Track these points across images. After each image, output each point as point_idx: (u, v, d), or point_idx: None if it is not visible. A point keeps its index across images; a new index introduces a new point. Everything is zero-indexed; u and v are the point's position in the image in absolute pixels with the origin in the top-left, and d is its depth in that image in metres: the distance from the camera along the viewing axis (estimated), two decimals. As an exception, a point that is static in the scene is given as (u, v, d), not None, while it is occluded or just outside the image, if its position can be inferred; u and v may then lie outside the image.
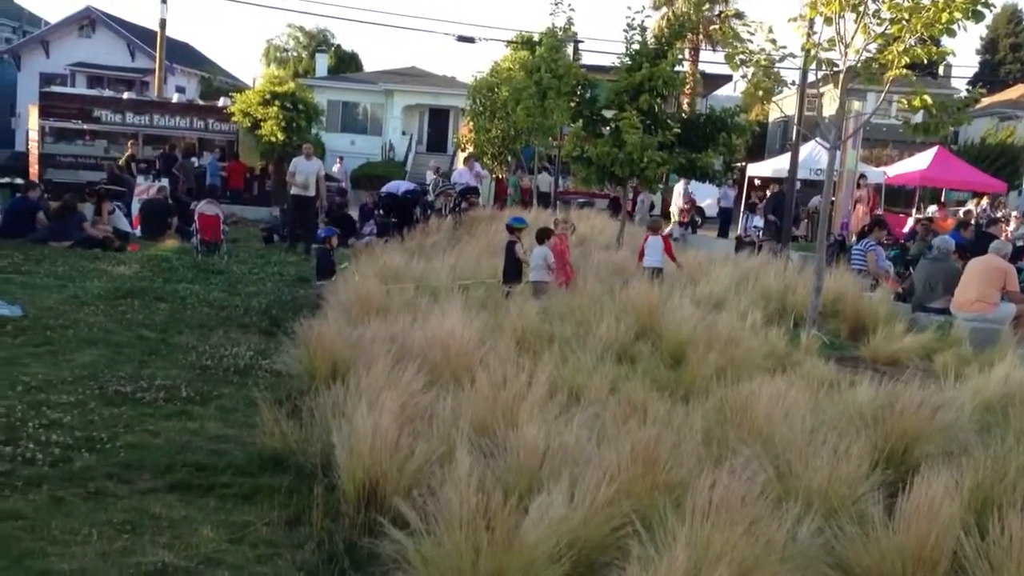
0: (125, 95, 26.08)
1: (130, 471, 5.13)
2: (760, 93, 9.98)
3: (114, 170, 21.08)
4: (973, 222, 20.04)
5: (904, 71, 9.19)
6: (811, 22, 9.85)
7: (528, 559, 3.71)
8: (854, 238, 15.93)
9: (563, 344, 7.83)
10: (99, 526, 4.39)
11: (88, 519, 4.47)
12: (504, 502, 3.76)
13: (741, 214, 25.93)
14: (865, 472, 4.89)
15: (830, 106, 34.68)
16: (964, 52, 61.33)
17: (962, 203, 29.26)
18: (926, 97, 9.37)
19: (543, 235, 11.48)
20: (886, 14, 9.05)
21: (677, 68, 16.03)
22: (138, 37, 42.08)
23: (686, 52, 30.55)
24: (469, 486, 3.90)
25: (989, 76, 48.42)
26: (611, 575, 3.76)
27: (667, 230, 13.43)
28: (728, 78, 39.73)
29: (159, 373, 7.30)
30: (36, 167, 23.26)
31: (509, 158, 25.38)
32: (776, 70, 10.25)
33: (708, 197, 28.40)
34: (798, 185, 19.22)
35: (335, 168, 27.95)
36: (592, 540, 4.06)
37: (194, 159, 23.68)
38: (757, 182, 27.90)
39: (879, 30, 9.20)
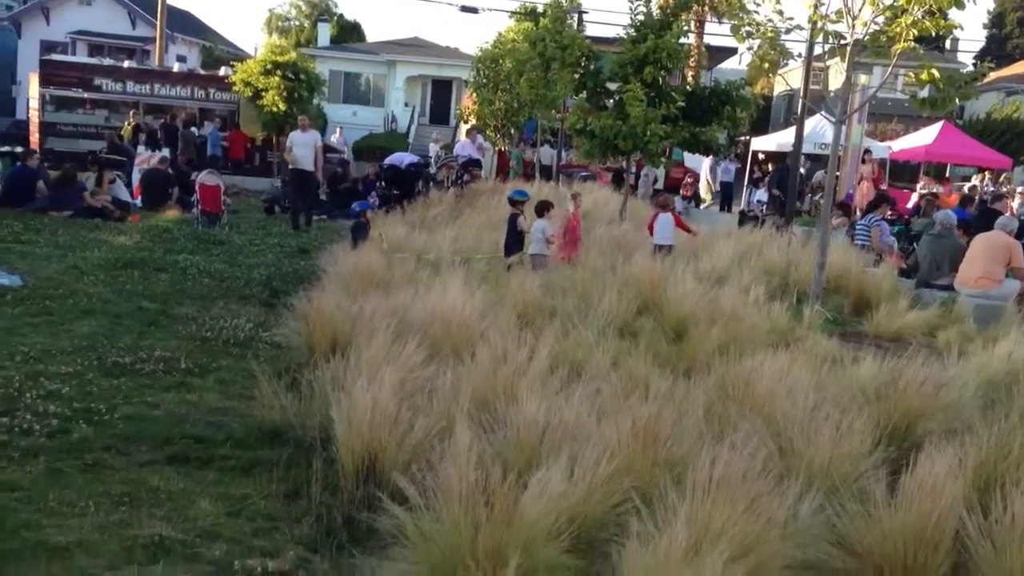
0: (126, 64, 25.95)
1: (128, 443, 5.11)
2: (766, 66, 9.86)
3: (114, 139, 20.98)
4: (977, 198, 19.94)
5: (912, 44, 9.07)
6: (818, -7, 9.72)
7: (527, 536, 3.68)
8: (858, 213, 15.82)
9: (565, 319, 7.78)
10: (96, 498, 4.37)
11: (85, 491, 4.45)
12: (504, 478, 3.72)
13: (745, 188, 25.80)
14: (867, 449, 4.85)
15: (836, 79, 34.43)
16: (971, 26, 60.76)
17: (967, 179, 29.13)
18: (933, 71, 9.25)
19: (542, 208, 11.39)
20: (895, -15, 8.93)
21: (682, 40, 15.84)
22: (139, 5, 41.74)
23: (691, 24, 30.26)
24: (469, 462, 3.86)
25: (996, 51, 47.96)
26: (611, 552, 3.72)
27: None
28: (733, 51, 39.41)
29: (158, 344, 7.28)
30: (37, 135, 23.19)
31: (512, 130, 25.23)
32: (782, 43, 10.12)
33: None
34: (803, 159, 19.13)
35: (334, 138, 27.76)
36: (592, 516, 4.03)
37: (194, 129, 23.55)
38: (761, 156, 27.73)
39: (888, 2, 9.07)
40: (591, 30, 25.08)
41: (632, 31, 15.09)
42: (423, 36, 48.77)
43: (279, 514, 4.40)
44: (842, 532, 4.10)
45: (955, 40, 42.88)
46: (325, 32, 46.51)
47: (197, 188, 15.32)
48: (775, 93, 47.80)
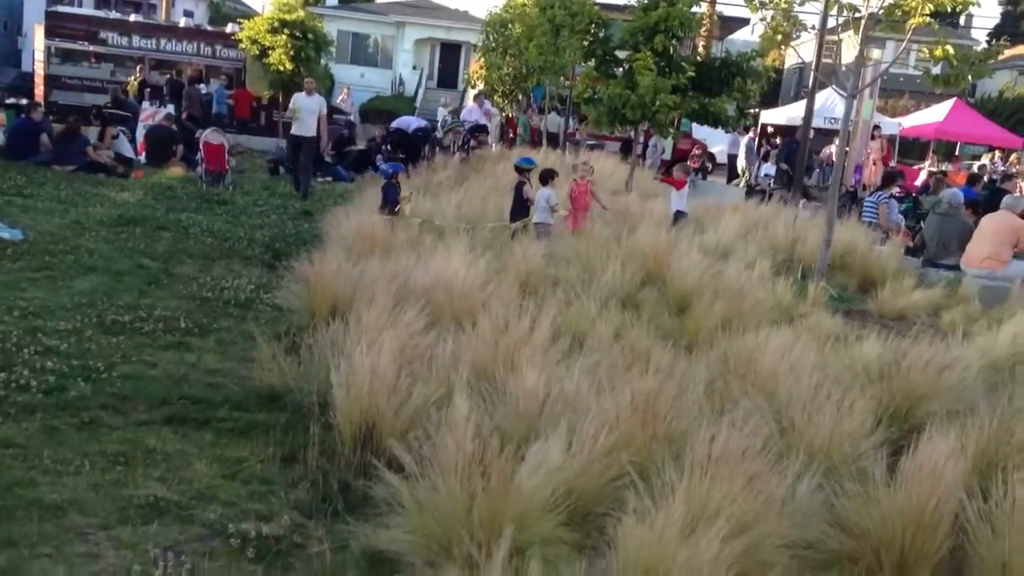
0: (132, 17, 25.69)
1: (125, 402, 5.08)
2: (779, 37, 9.72)
3: (118, 94, 20.81)
4: (986, 177, 19.81)
5: (927, 19, 8.93)
6: (835, -36, 9.56)
7: (524, 507, 3.66)
8: (866, 190, 15.73)
9: (567, 288, 7.73)
10: (92, 457, 4.35)
11: (81, 449, 4.43)
12: (501, 449, 3.69)
13: (747, 159, 25.63)
14: (868, 429, 4.82)
15: (848, 53, 34.07)
16: (986, 2, 59.98)
17: (976, 157, 28.93)
18: (948, 47, 9.11)
19: (547, 176, 11.29)
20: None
21: (694, 9, 15.65)
22: (147, -42, 41.35)
23: (704, -7, 29.88)
24: (466, 432, 3.84)
25: (1011, 28, 47.41)
26: (607, 526, 3.70)
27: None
28: (745, 21, 39.02)
29: (159, 303, 7.24)
30: (41, 88, 23.01)
31: (520, 97, 25.02)
32: (795, 14, 9.98)
33: (719, 143, 28.04)
34: (812, 134, 18.95)
35: (341, 99, 27.50)
36: (588, 490, 4.01)
37: (200, 86, 23.36)
38: (770, 130, 27.52)
39: (905, -26, 8.94)
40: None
41: (644, -1, 14.92)
42: (433, -2, 48.26)
43: (275, 478, 4.38)
44: (840, 513, 4.08)
45: (969, 16, 42.45)
46: (334, -10, 46.04)
47: (201, 146, 15.20)
48: (786, 66, 47.38)
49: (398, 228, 9.59)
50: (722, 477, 3.74)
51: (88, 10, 31.84)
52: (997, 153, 27.38)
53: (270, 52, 21.80)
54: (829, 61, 47.86)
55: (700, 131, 25.69)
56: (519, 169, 11.78)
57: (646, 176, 18.81)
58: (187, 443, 4.67)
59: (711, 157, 27.83)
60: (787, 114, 27.57)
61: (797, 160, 15.63)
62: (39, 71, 23.74)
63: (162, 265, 8.66)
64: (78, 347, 5.87)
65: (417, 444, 4.08)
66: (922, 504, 3.88)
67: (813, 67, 14.29)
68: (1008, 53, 39.50)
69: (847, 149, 13.04)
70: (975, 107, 33.85)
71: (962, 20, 39.44)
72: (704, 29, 24.80)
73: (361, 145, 20.51)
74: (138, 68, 23.02)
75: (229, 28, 24.87)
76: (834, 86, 16.96)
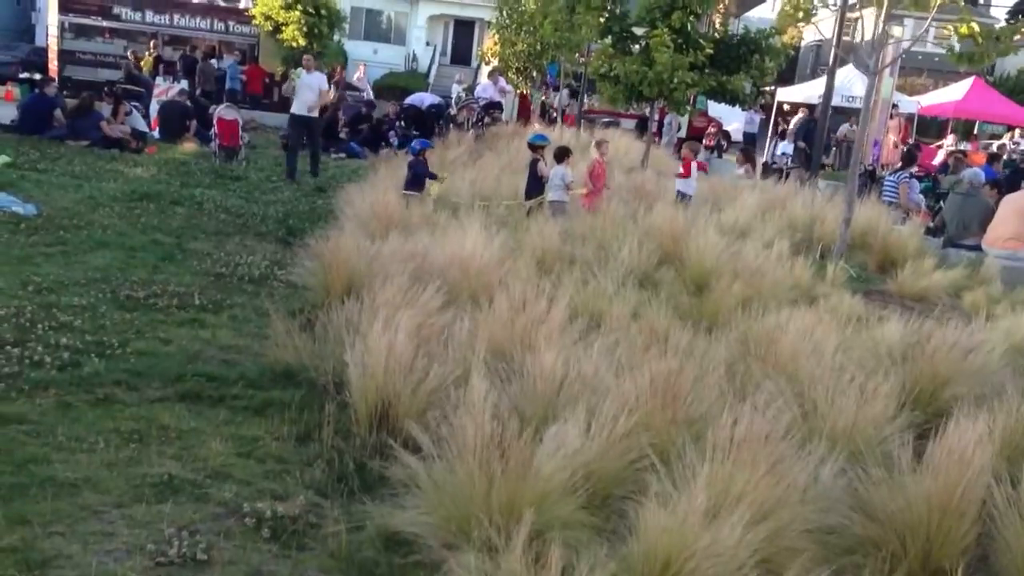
0: (145, -8, 25.53)
1: (139, 379, 5.04)
2: (800, 14, 9.55)
3: (131, 69, 20.73)
4: (1005, 156, 19.56)
5: (954, -4, 8.77)
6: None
7: (542, 490, 3.60)
8: (884, 169, 15.55)
9: (584, 267, 7.65)
10: (106, 434, 4.31)
11: (95, 426, 4.39)
12: (520, 432, 3.63)
13: (768, 140, 25.40)
14: (892, 413, 4.74)
15: (866, 32, 33.68)
16: (1007, -19, 59.07)
17: (996, 136, 28.60)
18: (973, 24, 8.94)
19: (562, 154, 11.18)
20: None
21: (712, -15, 15.44)
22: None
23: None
24: (484, 413, 3.77)
25: (1032, 7, 46.69)
26: (627, 509, 3.64)
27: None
28: (762, -1, 38.62)
29: (173, 279, 7.19)
30: (55, 63, 22.94)
31: (534, 73, 24.79)
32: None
33: (735, 121, 27.80)
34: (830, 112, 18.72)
35: (357, 76, 27.30)
36: (608, 473, 3.94)
37: (213, 61, 23.25)
38: (787, 108, 27.25)
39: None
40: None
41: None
42: (447, -26, 47.87)
43: (290, 457, 4.34)
44: (864, 498, 4.00)
45: (990, -6, 41.92)
46: (348, -34, 45.70)
47: (215, 122, 15.13)
48: (803, 43, 46.86)
49: (423, 207, 9.49)
50: (745, 462, 3.66)
51: (102, -16, 31.66)
52: (1017, 132, 27.01)
53: (283, 28, 21.71)
54: (847, 39, 47.37)
55: (715, 109, 25.50)
56: (532, 146, 11.66)
57: (662, 154, 18.64)
58: (201, 420, 4.62)
59: (726, 135, 27.62)
60: (804, 92, 27.25)
61: (816, 139, 15.43)
62: (52, 46, 23.65)
63: (176, 241, 8.62)
64: (92, 323, 5.83)
65: (434, 424, 4.04)
66: (949, 490, 3.80)
67: (833, 44, 14.06)
68: (1028, 31, 38.95)
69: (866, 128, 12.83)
70: (994, 86, 33.40)
71: (982, -1, 38.95)
72: (721, 5, 24.50)
73: (373, 122, 20.36)
74: (152, 43, 22.93)
75: (242, 4, 24.76)
76: (852, 63, 16.73)
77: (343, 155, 17.55)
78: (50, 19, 24.54)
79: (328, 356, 5.18)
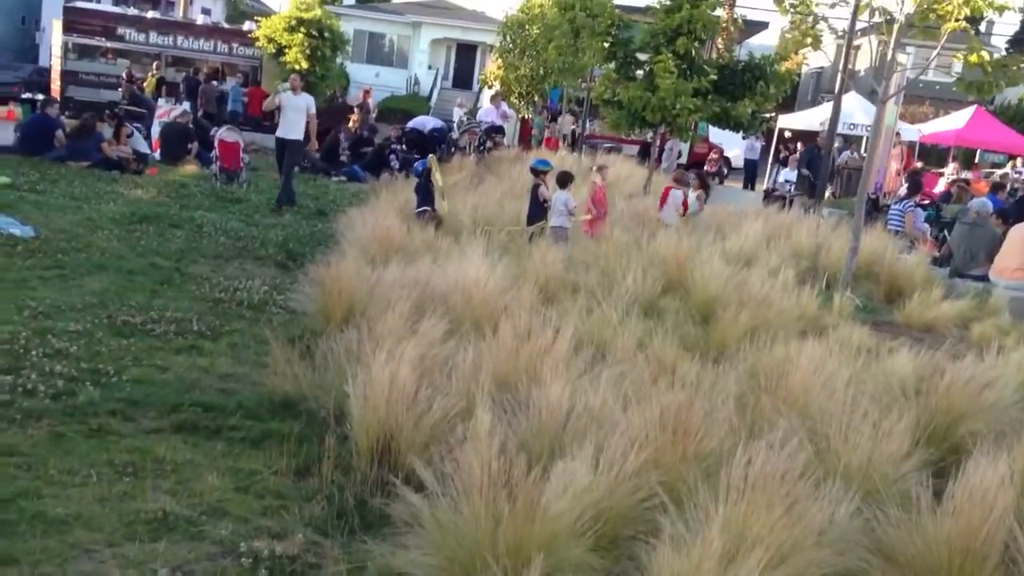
0: (149, 14, 25.65)
1: (135, 408, 4.91)
2: (808, 40, 9.49)
3: (133, 91, 20.73)
4: (1009, 185, 19.49)
5: (963, 24, 8.71)
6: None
7: (551, 531, 3.47)
8: (887, 197, 15.48)
9: (588, 295, 7.55)
10: (99, 467, 4.18)
11: (88, 458, 4.26)
12: (529, 469, 3.50)
13: (769, 167, 25.41)
14: (907, 450, 4.61)
15: (866, 59, 33.71)
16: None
17: (998, 165, 28.59)
18: (983, 53, 8.88)
19: (565, 179, 11.10)
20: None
21: (717, 12, 15.44)
22: (165, -45, 41.27)
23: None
24: (490, 448, 3.65)
25: (1031, 36, 46.85)
26: (638, 552, 3.51)
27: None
28: (764, 25, 38.78)
29: (171, 304, 7.08)
30: (58, 83, 22.95)
31: (536, 98, 24.84)
32: (825, 16, 9.77)
33: (735, 147, 27.81)
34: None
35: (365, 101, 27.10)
36: (617, 512, 3.81)
37: (215, 83, 23.27)
38: (788, 134, 27.27)
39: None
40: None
41: (666, 0, 14.70)
42: (449, -2, 48.09)
43: (289, 492, 4.21)
44: (882, 539, 3.88)
45: (990, 23, 42.07)
46: (351, -10, 45.89)
47: (216, 144, 15.07)
48: (803, 71, 47.02)
49: (425, 232, 9.39)
50: (760, 503, 3.54)
51: (106, 6, 31.79)
52: (1019, 160, 27.00)
53: (286, 50, 21.74)
54: (848, 67, 47.51)
55: (716, 136, 25.51)
56: (535, 171, 11.58)
57: (663, 180, 18.56)
58: (198, 453, 4.50)
59: (727, 162, 27.62)
60: (805, 119, 27.27)
61: (820, 166, 15.37)
62: (56, 66, 23.69)
63: (175, 264, 8.51)
64: (88, 349, 5.71)
65: (438, 459, 3.91)
66: (971, 532, 3.68)
67: (840, 71, 14.02)
68: (1029, 61, 39.04)
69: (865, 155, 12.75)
70: (994, 114, 33.44)
71: (983, 27, 39.06)
72: (724, 31, 24.56)
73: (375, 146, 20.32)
74: (155, 64, 22.96)
75: (247, 26, 24.79)
76: (856, 91, 16.76)
77: (344, 178, 17.48)
78: (54, 39, 24.60)
79: (328, 386, 5.05)
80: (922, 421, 5.06)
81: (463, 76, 40.25)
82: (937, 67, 29.94)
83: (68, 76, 22.88)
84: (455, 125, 22.29)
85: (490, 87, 26.05)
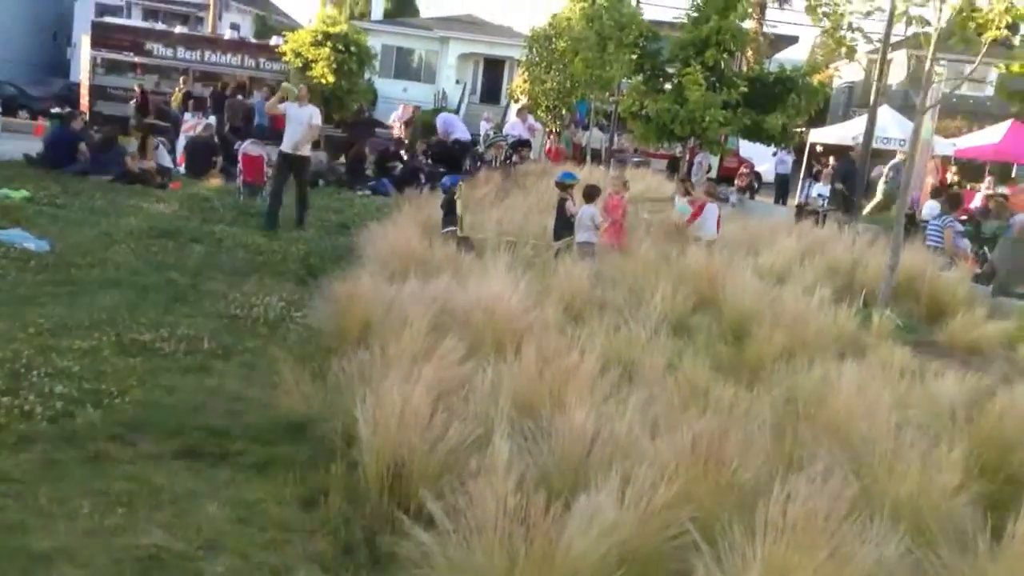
0: (177, 29, 25.70)
1: (136, 432, 4.66)
2: (843, 51, 9.16)
3: (160, 105, 20.70)
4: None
5: (1005, 32, 8.36)
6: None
7: (571, 573, 3.18)
8: (923, 212, 15.05)
9: (615, 312, 7.25)
10: (93, 496, 3.93)
11: (82, 486, 4.01)
12: (547, 508, 3.21)
13: (800, 181, 24.97)
14: (960, 481, 4.27)
15: (897, 73, 33.19)
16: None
17: (1036, 180, 27.98)
18: (1028, 63, 8.52)
19: (592, 193, 10.81)
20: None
21: (746, 23, 15.12)
22: (196, -29, 41.61)
23: (753, 10, 29.28)
24: (507, 483, 3.37)
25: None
26: (668, 598, 3.21)
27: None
28: (793, 39, 38.34)
29: (183, 321, 6.85)
30: (87, 98, 23.01)
31: (563, 111, 24.59)
32: (859, 27, 9.43)
33: (765, 162, 27.40)
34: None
35: (396, 115, 26.88)
36: (645, 552, 3.51)
37: (240, 97, 23.20)
38: (819, 149, 26.84)
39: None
40: (648, 13, 24.31)
41: (694, 11, 14.41)
42: (477, 13, 48.11)
43: (293, 524, 3.93)
44: (935, 583, 3.55)
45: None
46: (379, 5, 45.98)
47: (240, 158, 14.94)
48: (835, 85, 46.49)
49: (446, 247, 9.15)
50: (802, 544, 3.22)
51: (134, 21, 32.00)
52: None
53: (313, 65, 21.62)
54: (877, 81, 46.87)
55: (746, 150, 25.12)
56: (561, 185, 11.30)
57: (695, 194, 18.23)
58: (199, 481, 4.24)
59: (758, 176, 27.20)
60: (837, 134, 26.81)
61: (856, 181, 14.97)
62: (84, 81, 23.77)
63: (191, 280, 8.30)
64: (92, 369, 5.47)
65: (451, 491, 3.63)
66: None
67: (876, 82, 13.65)
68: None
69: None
70: (1028, 128, 32.78)
71: (1017, 40, 38.35)
72: (753, 44, 24.23)
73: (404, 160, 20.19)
74: (182, 79, 22.95)
75: (273, 41, 24.75)
76: (887, 105, 16.36)
77: (369, 192, 17.31)
78: (83, 54, 24.70)
79: (339, 408, 4.78)
80: (974, 450, 4.71)
81: (491, 91, 40.16)
82: (971, 80, 29.38)
83: (96, 91, 22.93)
84: (481, 139, 22.07)
85: (517, 101, 25.85)
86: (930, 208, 11.62)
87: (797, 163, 26.22)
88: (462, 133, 20.25)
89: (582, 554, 3.24)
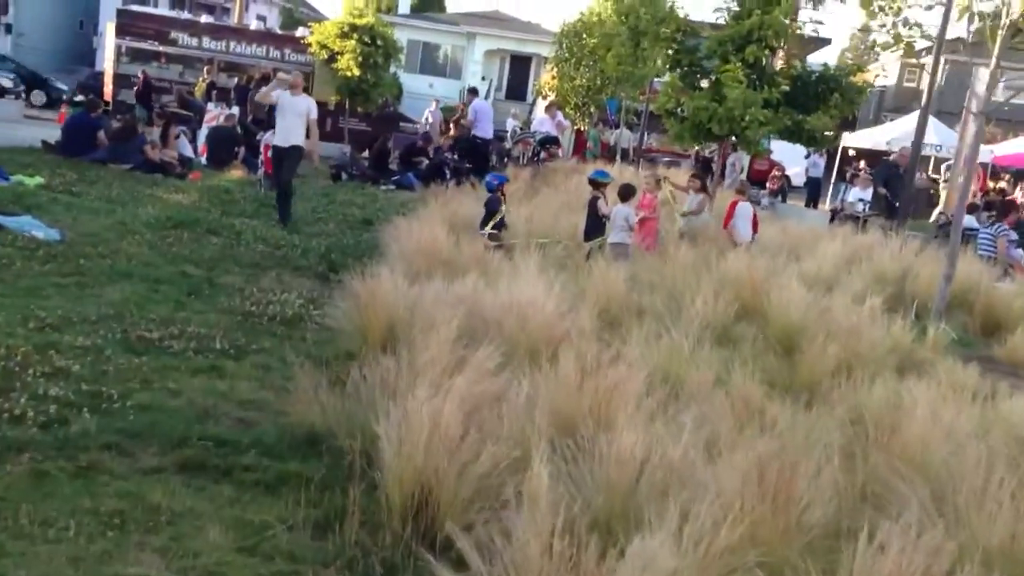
0: (203, 19, 25.38)
1: (135, 442, 4.23)
2: (901, 46, 8.62)
3: (183, 95, 20.38)
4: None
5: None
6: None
7: (626, 632, 2.71)
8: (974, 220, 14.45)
9: (654, 319, 6.77)
10: (81, 515, 3.51)
11: (70, 504, 3.59)
12: (603, 555, 2.74)
13: (832, 185, 24.33)
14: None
15: (937, 78, 32.42)
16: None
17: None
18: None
19: (627, 193, 10.32)
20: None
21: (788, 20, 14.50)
22: (224, -38, 41.39)
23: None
24: (551, 519, 2.91)
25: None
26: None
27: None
28: (825, 41, 37.59)
29: (195, 317, 6.43)
30: (110, 87, 22.73)
31: (592, 109, 24.05)
32: (918, 22, 8.89)
33: (795, 165, 26.77)
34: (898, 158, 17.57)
35: (429, 111, 26.31)
36: (708, 603, 3.04)
37: (264, 88, 22.85)
38: (852, 153, 26.20)
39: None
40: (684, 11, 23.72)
41: (735, 5, 13.84)
42: (504, 10, 47.64)
43: (303, 553, 3.49)
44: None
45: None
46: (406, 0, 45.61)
47: (263, 148, 14.56)
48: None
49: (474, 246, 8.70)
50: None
51: (160, 10, 31.74)
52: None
53: (339, 57, 21.23)
54: (912, 85, 46.05)
55: (777, 152, 24.47)
56: (594, 183, 10.81)
57: (727, 196, 17.69)
58: (201, 499, 3.80)
59: (788, 180, 26.56)
60: (871, 138, 26.18)
61: (900, 186, 14.38)
62: (108, 70, 23.48)
63: (206, 273, 7.89)
64: (92, 369, 5.06)
65: (483, 524, 3.18)
66: None
67: (928, 85, 13.06)
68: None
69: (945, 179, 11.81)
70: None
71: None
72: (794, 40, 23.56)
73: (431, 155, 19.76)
74: (206, 69, 22.63)
75: (299, 32, 24.39)
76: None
77: (393, 187, 16.90)
78: (108, 43, 24.43)
79: (358, 421, 4.32)
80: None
81: (516, 87, 39.70)
82: (1007, 86, 28.60)
83: (120, 80, 22.63)
84: (508, 135, 21.61)
85: (544, 97, 25.34)
86: (968, 222, 11.07)
87: (828, 167, 25.60)
88: (483, 131, 19.70)
89: (638, 608, 2.78)
